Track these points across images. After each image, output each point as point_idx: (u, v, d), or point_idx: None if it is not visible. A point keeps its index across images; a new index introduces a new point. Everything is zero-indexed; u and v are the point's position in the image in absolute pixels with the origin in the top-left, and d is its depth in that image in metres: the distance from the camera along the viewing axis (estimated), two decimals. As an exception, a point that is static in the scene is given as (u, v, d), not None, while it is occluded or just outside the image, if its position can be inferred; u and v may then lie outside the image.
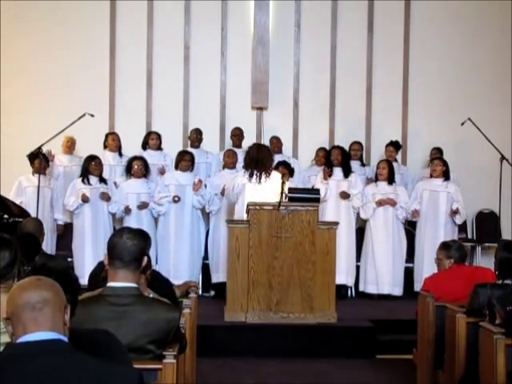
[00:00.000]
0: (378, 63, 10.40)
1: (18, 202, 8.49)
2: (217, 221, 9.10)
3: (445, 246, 5.79)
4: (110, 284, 3.41)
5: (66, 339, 2.29)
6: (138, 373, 2.37)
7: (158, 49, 10.30)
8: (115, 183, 9.20)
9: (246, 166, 7.80)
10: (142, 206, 8.96)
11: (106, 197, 8.88)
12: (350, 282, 9.03)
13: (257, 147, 7.99)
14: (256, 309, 7.10)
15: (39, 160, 8.81)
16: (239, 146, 9.58)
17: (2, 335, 3.06)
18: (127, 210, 8.94)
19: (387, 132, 10.06)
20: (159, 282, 4.54)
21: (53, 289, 2.36)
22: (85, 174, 8.97)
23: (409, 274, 9.11)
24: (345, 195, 8.95)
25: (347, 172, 9.05)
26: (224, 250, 8.29)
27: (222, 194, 8.68)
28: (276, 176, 7.68)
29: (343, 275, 8.78)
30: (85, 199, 8.84)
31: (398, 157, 9.96)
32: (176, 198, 8.95)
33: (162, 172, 9.35)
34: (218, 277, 8.86)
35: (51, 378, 2.16)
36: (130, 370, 2.39)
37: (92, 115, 9.06)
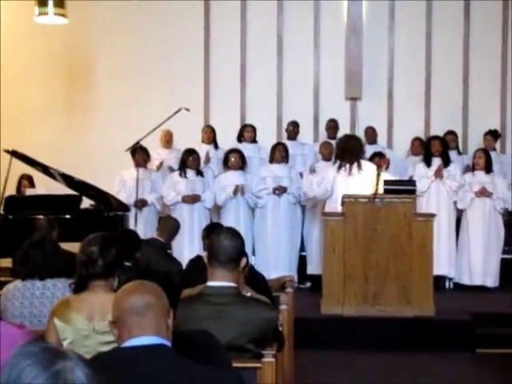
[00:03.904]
0: (475, 49, 10.15)
1: (120, 196, 8.73)
2: (312, 212, 9.10)
3: None
4: (210, 283, 3.47)
5: (169, 343, 2.35)
6: (238, 375, 2.42)
7: (251, 40, 10.37)
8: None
9: (336, 158, 7.78)
10: (236, 190, 8.99)
11: (193, 199, 9.03)
12: (452, 273, 8.88)
13: (346, 138, 7.96)
14: (352, 302, 7.09)
15: (138, 154, 9.03)
16: (334, 138, 9.54)
17: (106, 335, 3.18)
18: (236, 192, 8.95)
19: (485, 120, 9.81)
20: (255, 279, 4.61)
21: (156, 293, 2.41)
22: (182, 168, 9.14)
23: (511, 265, 8.89)
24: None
25: (446, 162, 8.89)
26: (318, 242, 8.31)
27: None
28: (370, 167, 7.61)
29: (445, 266, 8.66)
30: (186, 200, 9.01)
31: (497, 145, 9.70)
32: (277, 192, 8.97)
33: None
34: (312, 268, 8.88)
35: (154, 383, 2.24)
36: (231, 374, 2.44)
37: (188, 109, 9.18)
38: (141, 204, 8.96)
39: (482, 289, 8.69)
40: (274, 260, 8.88)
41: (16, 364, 1.46)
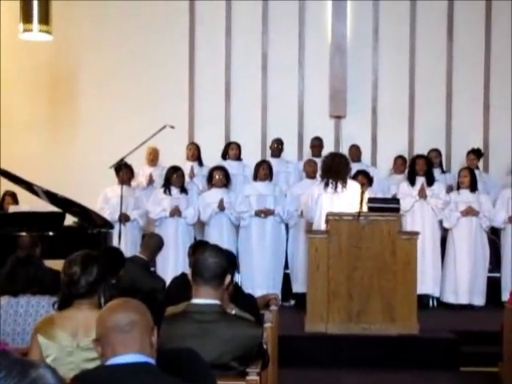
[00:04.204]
0: (458, 68, 10.24)
1: (103, 212, 8.69)
2: (296, 230, 9.10)
3: None
4: (194, 301, 3.45)
5: (153, 361, 2.34)
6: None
7: (235, 58, 10.41)
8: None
9: (322, 176, 7.80)
10: (221, 203, 8.99)
11: (175, 212, 9.02)
12: (437, 292, 8.90)
13: (332, 156, 7.97)
14: (336, 319, 7.07)
15: (122, 171, 9.00)
16: (319, 156, 9.55)
17: (90, 351, 3.15)
18: (221, 205, 8.96)
19: (468, 139, 9.89)
20: (241, 297, 4.59)
21: (140, 311, 2.40)
22: (166, 185, 9.12)
23: (495, 284, 8.91)
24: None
25: (431, 181, 8.93)
26: (303, 259, 8.30)
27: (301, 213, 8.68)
28: (354, 186, 7.63)
29: (429, 285, 8.68)
30: (173, 213, 8.98)
31: (480, 164, 9.76)
32: (262, 216, 8.95)
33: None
34: (297, 287, 8.86)
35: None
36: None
37: (172, 127, 9.15)
38: (124, 219, 8.93)
39: (466, 307, 8.71)
40: (258, 278, 8.85)
41: None
